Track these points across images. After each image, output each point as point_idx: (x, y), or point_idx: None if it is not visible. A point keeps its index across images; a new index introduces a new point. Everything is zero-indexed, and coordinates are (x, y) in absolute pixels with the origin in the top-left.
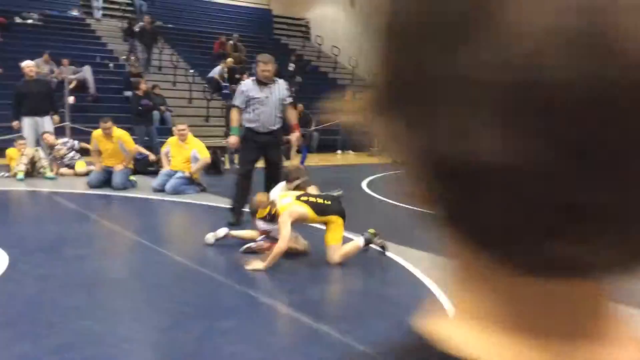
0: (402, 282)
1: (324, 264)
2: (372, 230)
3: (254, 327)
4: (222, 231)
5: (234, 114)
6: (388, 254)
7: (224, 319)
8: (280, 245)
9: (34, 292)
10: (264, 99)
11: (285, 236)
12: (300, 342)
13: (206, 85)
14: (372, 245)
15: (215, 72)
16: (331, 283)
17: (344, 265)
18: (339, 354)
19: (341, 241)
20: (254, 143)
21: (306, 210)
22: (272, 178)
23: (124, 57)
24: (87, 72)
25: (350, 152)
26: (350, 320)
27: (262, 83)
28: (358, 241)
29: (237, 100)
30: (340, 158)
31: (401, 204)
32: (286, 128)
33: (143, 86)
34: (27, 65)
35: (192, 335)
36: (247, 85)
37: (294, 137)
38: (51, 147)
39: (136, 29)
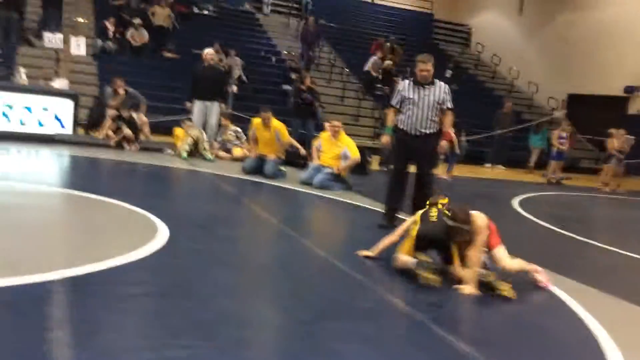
0: (557, 314)
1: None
2: (423, 257)
3: (394, 337)
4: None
5: (389, 114)
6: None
7: (364, 322)
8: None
9: (187, 266)
10: (417, 100)
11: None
12: (440, 358)
13: (360, 83)
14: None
15: (369, 64)
16: (474, 301)
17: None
18: None
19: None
20: (403, 145)
21: None
22: (420, 185)
23: (286, 52)
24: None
25: (501, 166)
26: (499, 347)
27: (419, 84)
28: (412, 260)
29: (393, 100)
30: (489, 172)
31: (552, 227)
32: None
33: (307, 81)
34: (209, 52)
35: (331, 334)
36: (403, 85)
37: (442, 143)
38: (225, 127)
39: (300, 29)
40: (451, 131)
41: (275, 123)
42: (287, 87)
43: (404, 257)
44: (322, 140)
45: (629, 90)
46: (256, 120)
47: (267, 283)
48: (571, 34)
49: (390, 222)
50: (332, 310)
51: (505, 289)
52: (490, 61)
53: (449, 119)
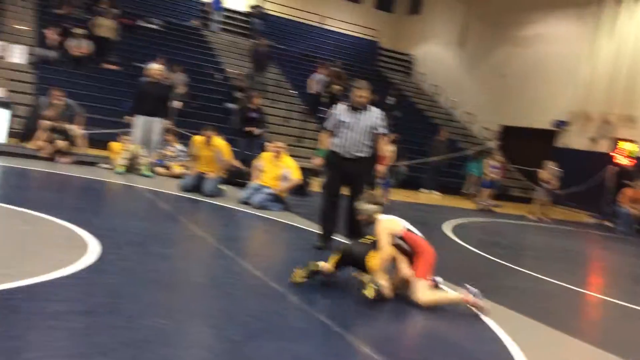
0: (478, 334)
1: (403, 302)
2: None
3: (325, 357)
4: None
5: (323, 137)
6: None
7: (296, 342)
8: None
9: (117, 284)
10: (352, 123)
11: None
12: None
13: (305, 105)
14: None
15: (314, 82)
16: (411, 325)
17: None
18: None
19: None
20: (336, 168)
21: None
22: (353, 208)
23: (232, 70)
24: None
25: (436, 192)
26: None
27: (354, 108)
28: (453, 294)
29: (328, 123)
30: (424, 197)
31: (480, 252)
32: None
33: (255, 100)
34: (155, 68)
35: (264, 353)
36: (339, 108)
37: (379, 168)
38: (167, 143)
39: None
40: (387, 155)
41: (218, 142)
42: (231, 105)
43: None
44: (264, 160)
45: (558, 124)
46: (197, 138)
47: (199, 302)
48: (508, 69)
49: (325, 243)
50: (264, 330)
51: (367, 290)
52: (430, 90)
53: (382, 143)
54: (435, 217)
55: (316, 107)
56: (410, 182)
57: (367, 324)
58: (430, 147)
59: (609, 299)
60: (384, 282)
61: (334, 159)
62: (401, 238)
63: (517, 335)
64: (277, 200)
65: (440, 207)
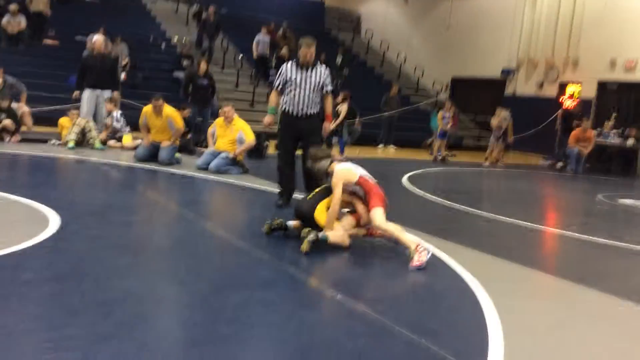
0: (437, 272)
1: (364, 249)
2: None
3: (290, 301)
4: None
5: (272, 95)
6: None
7: (262, 290)
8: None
9: (83, 250)
10: (300, 81)
11: (337, 196)
12: (335, 317)
13: (253, 70)
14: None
15: (256, 44)
16: (369, 267)
17: (383, 253)
18: (374, 330)
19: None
20: (288, 126)
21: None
22: (307, 165)
23: (176, 37)
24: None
25: (392, 147)
26: (386, 302)
27: (301, 66)
28: (408, 235)
29: (276, 82)
30: (381, 152)
31: (437, 199)
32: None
33: (203, 66)
34: (99, 39)
35: (230, 302)
36: (286, 67)
37: (325, 125)
38: (108, 113)
39: (203, 15)
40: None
41: (168, 110)
42: (178, 73)
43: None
44: (217, 126)
45: (505, 72)
46: (147, 108)
47: (165, 263)
48: (452, 21)
49: (286, 201)
50: (231, 283)
51: (303, 245)
52: (379, 47)
53: (329, 102)
54: (392, 170)
55: (264, 70)
56: (366, 139)
57: (330, 270)
58: (382, 103)
59: (562, 232)
60: (334, 232)
61: (285, 118)
62: (357, 184)
63: (476, 271)
64: (234, 164)
65: (397, 161)
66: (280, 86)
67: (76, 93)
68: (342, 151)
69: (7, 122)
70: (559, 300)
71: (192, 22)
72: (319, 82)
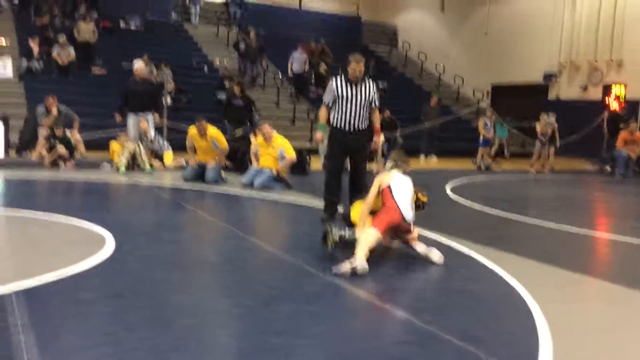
0: (484, 279)
1: (406, 259)
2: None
3: (338, 312)
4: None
5: (322, 112)
6: (470, 252)
7: (310, 303)
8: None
9: (137, 269)
10: (351, 97)
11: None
12: (382, 327)
13: (293, 88)
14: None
15: (294, 63)
16: (415, 277)
17: (428, 263)
18: (421, 339)
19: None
20: (339, 142)
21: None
22: (355, 180)
23: (219, 61)
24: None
25: (434, 157)
26: (433, 311)
27: (350, 81)
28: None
29: (326, 98)
30: (423, 162)
31: (482, 208)
32: (370, 131)
33: (237, 88)
34: (140, 66)
35: (279, 315)
36: (335, 82)
37: (374, 141)
38: (145, 133)
39: (242, 45)
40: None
41: (212, 131)
42: (222, 95)
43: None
44: (258, 145)
45: (547, 77)
46: (192, 130)
47: (215, 278)
48: (490, 28)
49: (331, 215)
50: (279, 296)
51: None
52: (417, 58)
53: (377, 116)
54: (436, 180)
55: (303, 87)
56: (407, 150)
57: (374, 280)
58: (422, 114)
59: (613, 237)
60: (362, 229)
61: (336, 133)
62: (381, 191)
63: (524, 278)
64: (278, 180)
65: (439, 171)
66: (330, 102)
67: (118, 117)
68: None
69: (62, 150)
70: (609, 304)
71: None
72: (369, 97)
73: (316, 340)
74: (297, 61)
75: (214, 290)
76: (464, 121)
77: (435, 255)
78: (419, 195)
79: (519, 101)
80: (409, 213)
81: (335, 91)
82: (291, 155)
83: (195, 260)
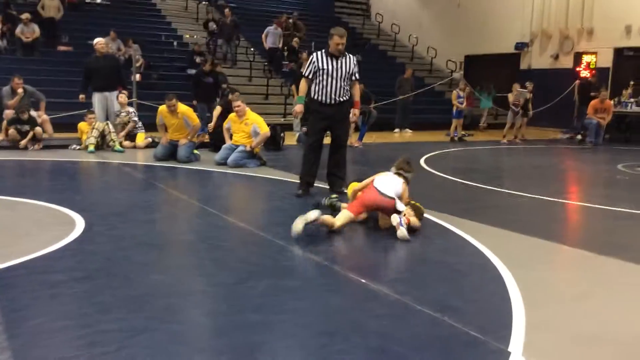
0: (459, 250)
1: (384, 232)
2: (334, 196)
3: (315, 286)
4: (313, 214)
5: (302, 84)
6: (446, 224)
7: (286, 278)
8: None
9: (109, 250)
10: (331, 70)
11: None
12: (359, 300)
13: (266, 63)
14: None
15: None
16: (391, 250)
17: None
18: (397, 312)
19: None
20: (319, 114)
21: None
22: (334, 151)
23: (187, 35)
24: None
25: (408, 130)
26: (409, 283)
27: (332, 55)
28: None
29: (306, 71)
30: (397, 136)
31: (457, 179)
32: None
33: (207, 65)
34: (99, 41)
35: (256, 291)
36: (316, 56)
37: (353, 113)
38: (121, 108)
39: (211, 24)
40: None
41: (182, 108)
42: (192, 71)
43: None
44: (231, 121)
45: (519, 46)
46: (162, 108)
47: (190, 257)
48: None
49: (306, 190)
50: (256, 272)
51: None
52: (390, 30)
53: (357, 89)
54: (410, 153)
55: (277, 62)
56: (383, 124)
57: (352, 255)
58: (395, 87)
59: (583, 204)
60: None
61: (316, 106)
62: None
63: (497, 248)
64: (252, 156)
65: (414, 144)
66: (310, 74)
67: (81, 97)
68: (360, 138)
69: (39, 129)
70: (581, 271)
71: (203, 18)
72: (350, 71)
73: (294, 316)
74: (272, 35)
75: (189, 269)
76: (438, 93)
77: (400, 233)
78: (413, 204)
79: (492, 71)
80: (388, 189)
81: (317, 64)
82: (265, 131)
83: (169, 240)
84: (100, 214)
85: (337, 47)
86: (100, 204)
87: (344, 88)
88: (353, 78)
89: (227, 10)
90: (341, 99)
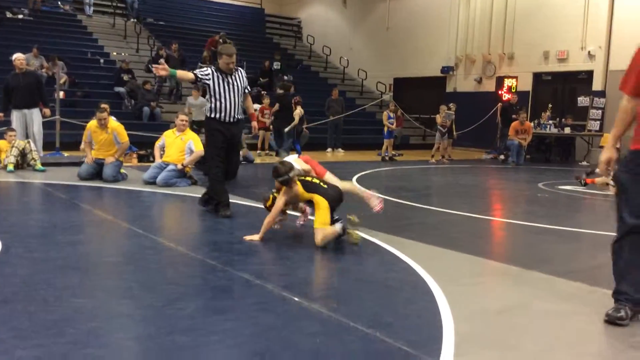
0: (391, 266)
1: (315, 249)
2: (352, 218)
3: (246, 306)
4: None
5: (186, 73)
6: (377, 241)
7: (217, 298)
8: (269, 217)
9: (28, 273)
10: (228, 89)
11: (276, 208)
12: (291, 319)
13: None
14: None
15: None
16: (322, 266)
17: (336, 250)
18: (330, 329)
19: (326, 225)
20: (221, 133)
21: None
22: (230, 170)
23: (115, 53)
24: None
25: (340, 150)
26: (341, 300)
27: (225, 74)
28: (336, 227)
29: (200, 74)
30: (330, 156)
31: (388, 197)
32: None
33: (147, 85)
34: (17, 57)
35: (185, 313)
36: (210, 73)
37: (254, 124)
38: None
39: (161, 60)
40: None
41: (113, 124)
42: (120, 89)
43: (327, 230)
44: (166, 137)
45: (445, 70)
46: (91, 123)
47: (115, 279)
48: (391, 23)
49: (228, 209)
50: (185, 293)
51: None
52: (322, 52)
53: (250, 101)
54: (342, 172)
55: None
56: (315, 143)
57: (281, 273)
58: (325, 107)
59: (507, 220)
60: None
61: (217, 125)
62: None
63: (426, 263)
64: (182, 176)
65: (346, 163)
66: (200, 80)
67: (0, 115)
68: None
69: None
70: (506, 285)
71: (131, 36)
72: (242, 84)
73: (224, 336)
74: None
75: (114, 292)
76: (369, 113)
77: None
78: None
79: (420, 94)
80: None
81: (212, 84)
82: (199, 149)
83: (93, 262)
84: (19, 236)
85: (228, 65)
86: (19, 225)
87: (240, 104)
88: (246, 91)
89: (173, 45)
90: (239, 116)
